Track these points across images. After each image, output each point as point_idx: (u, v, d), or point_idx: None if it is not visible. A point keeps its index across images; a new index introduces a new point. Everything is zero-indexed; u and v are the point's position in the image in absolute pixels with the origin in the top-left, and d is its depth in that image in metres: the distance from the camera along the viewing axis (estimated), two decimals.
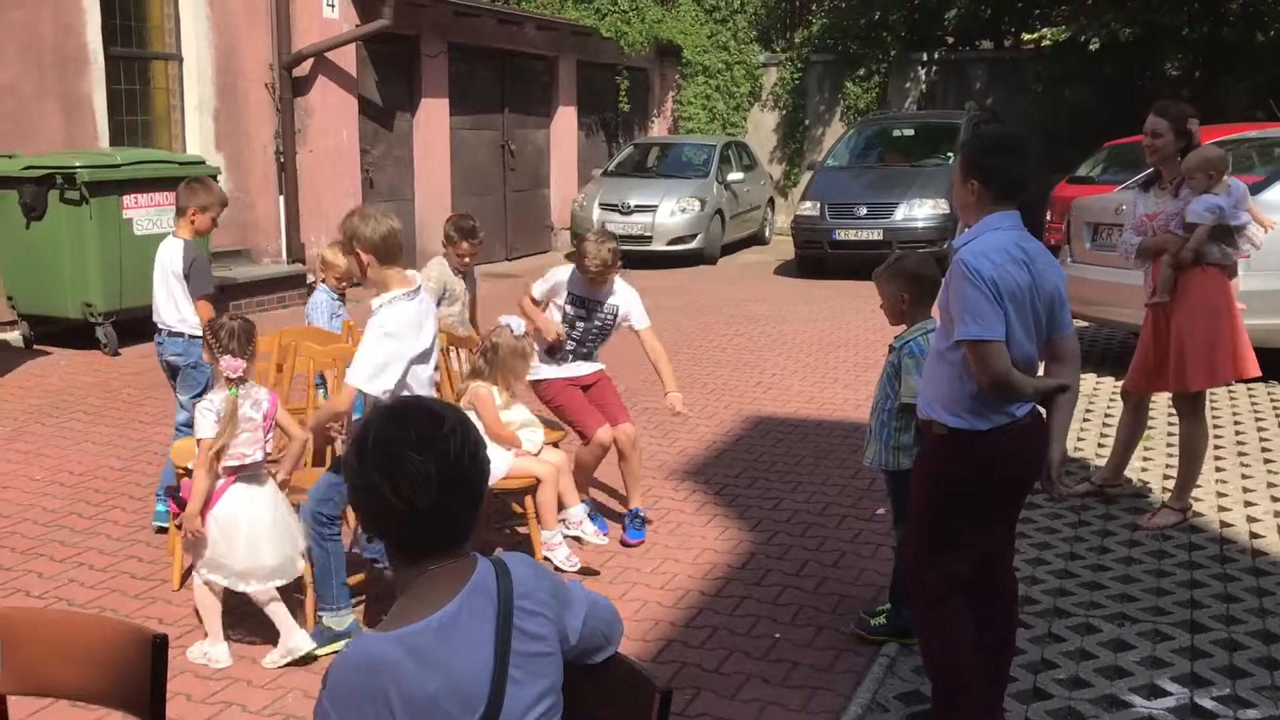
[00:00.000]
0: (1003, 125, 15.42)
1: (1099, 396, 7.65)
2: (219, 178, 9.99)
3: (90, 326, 8.80)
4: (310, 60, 11.85)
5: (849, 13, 18.28)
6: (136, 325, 9.04)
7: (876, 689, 3.74)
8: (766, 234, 17.70)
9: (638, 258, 14.94)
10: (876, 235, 13.52)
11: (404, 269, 3.99)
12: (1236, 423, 6.97)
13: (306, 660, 3.93)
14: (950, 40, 19.07)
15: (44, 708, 3.58)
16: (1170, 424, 6.58)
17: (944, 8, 18.79)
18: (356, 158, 12.67)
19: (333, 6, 12.12)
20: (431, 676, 1.76)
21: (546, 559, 4.51)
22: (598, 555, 4.91)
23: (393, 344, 3.82)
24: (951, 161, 12.70)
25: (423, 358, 3.94)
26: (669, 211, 14.91)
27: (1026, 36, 16.02)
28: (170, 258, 5.10)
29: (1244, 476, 5.94)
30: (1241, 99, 15.63)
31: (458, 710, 1.78)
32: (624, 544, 5.07)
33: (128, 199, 8.78)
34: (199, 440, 3.86)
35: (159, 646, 2.28)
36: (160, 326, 5.12)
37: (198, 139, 11.16)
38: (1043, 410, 3.29)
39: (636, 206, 14.97)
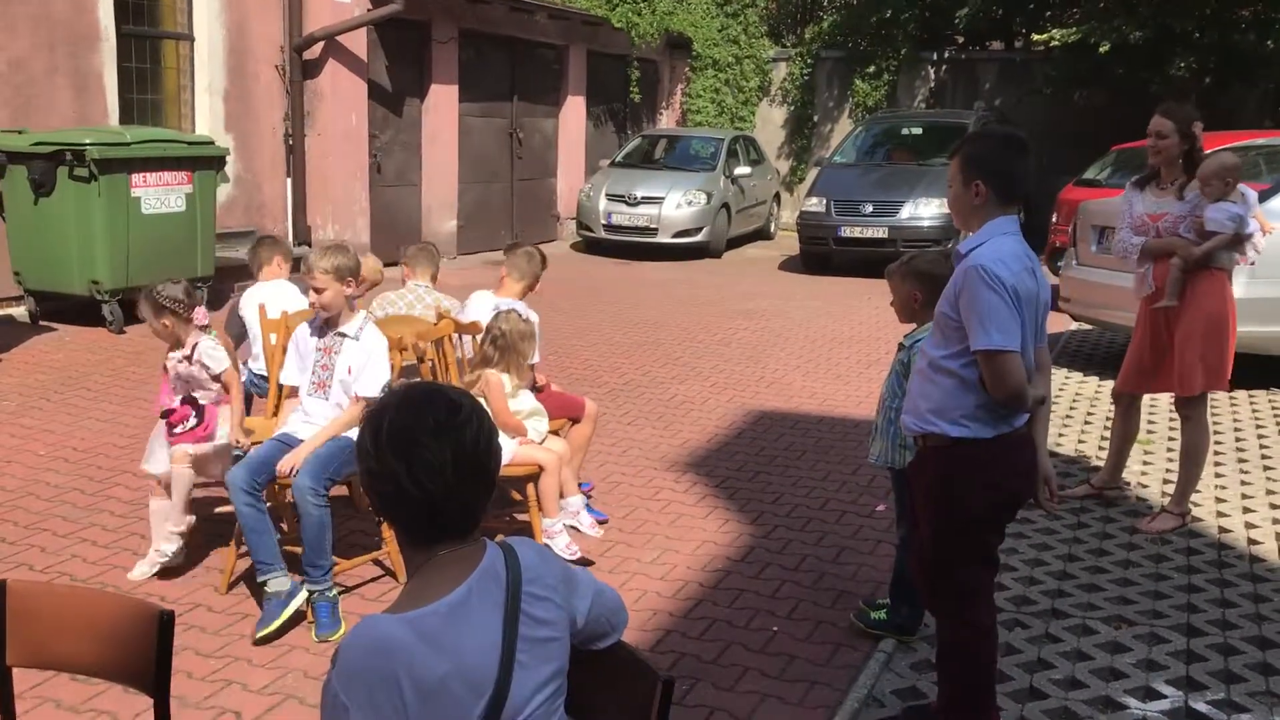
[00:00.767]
0: (1001, 125, 15.42)
1: (1100, 399, 7.67)
2: (228, 158, 10.02)
3: (96, 304, 8.82)
4: (321, 43, 11.85)
5: (860, 10, 18.26)
6: None
7: (873, 684, 3.76)
8: (772, 229, 17.71)
9: (643, 249, 14.99)
10: (882, 233, 13.54)
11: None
12: (1237, 429, 6.98)
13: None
14: (960, 40, 19.05)
15: (45, 680, 3.60)
16: (1171, 428, 6.60)
17: (955, 7, 18.74)
18: (365, 142, 12.67)
19: None
20: (441, 660, 1.78)
21: (546, 546, 4.52)
22: (598, 544, 4.94)
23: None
24: None
25: None
26: (675, 204, 14.92)
27: (1037, 37, 15.98)
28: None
29: (1243, 483, 5.96)
30: (1251, 106, 15.63)
31: (466, 693, 1.80)
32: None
33: (136, 177, 8.79)
34: (223, 372, 4.52)
35: (165, 622, 2.30)
36: None
37: (207, 119, 11.16)
38: None
39: (643, 198, 14.98)
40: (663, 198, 14.92)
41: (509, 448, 4.53)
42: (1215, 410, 7.23)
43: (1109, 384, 7.95)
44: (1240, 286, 5.99)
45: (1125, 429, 5.66)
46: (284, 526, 4.87)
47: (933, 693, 3.63)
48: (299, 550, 4.23)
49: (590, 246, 15.57)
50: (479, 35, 14.46)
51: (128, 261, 8.76)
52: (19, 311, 9.16)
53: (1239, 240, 5.13)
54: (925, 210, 13.45)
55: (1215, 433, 6.66)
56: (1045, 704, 3.67)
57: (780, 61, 19.15)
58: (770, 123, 19.25)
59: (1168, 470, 6.03)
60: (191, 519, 4.46)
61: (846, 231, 13.75)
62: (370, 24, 12.32)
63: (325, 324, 4.44)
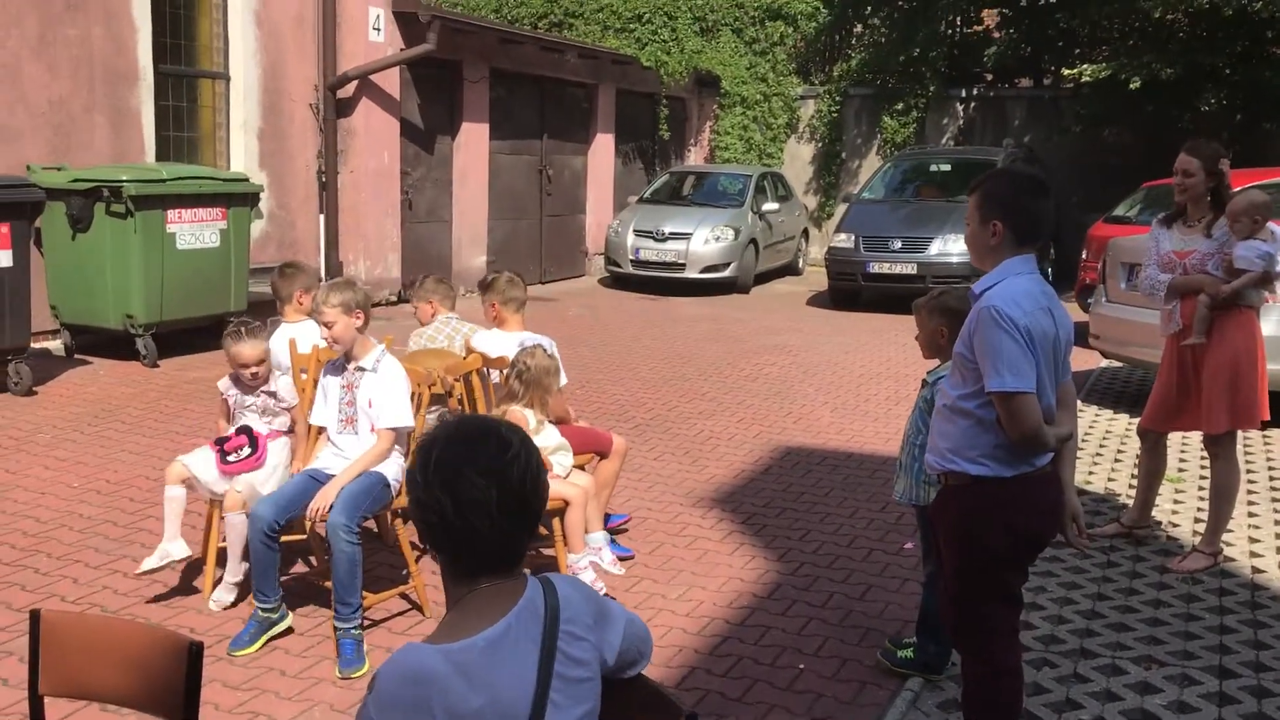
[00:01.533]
0: (1023, 166, 15.41)
1: (1131, 437, 7.60)
2: (262, 195, 10.17)
3: (131, 337, 8.94)
4: (355, 82, 12.03)
5: (888, 48, 18.33)
6: (176, 337, 9.21)
7: None
8: (800, 264, 17.73)
9: (671, 284, 15.04)
10: (911, 269, 13.52)
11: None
12: (1270, 467, 6.91)
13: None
14: (989, 77, 19.08)
15: (76, 710, 3.64)
16: (1202, 466, 6.54)
17: (984, 45, 18.84)
18: (397, 179, 12.82)
19: (378, 30, 12.30)
20: (476, 694, 1.79)
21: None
22: (624, 580, 4.94)
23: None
24: None
25: None
26: (703, 239, 14.98)
27: (1066, 74, 16.00)
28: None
29: (1277, 522, 5.89)
30: None
31: None
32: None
33: (172, 213, 8.93)
34: (294, 406, 4.82)
35: (195, 654, 2.33)
36: None
37: (242, 156, 11.34)
38: None
39: (671, 234, 15.05)
40: (691, 233, 14.99)
41: None
42: (1248, 448, 7.16)
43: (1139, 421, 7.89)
44: (1270, 324, 5.95)
45: (1152, 466, 5.62)
46: (314, 561, 4.91)
47: None
48: (327, 585, 4.26)
49: (618, 282, 15.64)
50: (510, 74, 14.64)
51: (162, 296, 8.89)
52: (55, 345, 9.30)
53: (1268, 278, 5.10)
54: (954, 246, 13.42)
55: (1247, 471, 6.60)
56: None
57: (808, 99, 19.24)
58: (798, 159, 19.32)
59: (1199, 509, 5.97)
60: (247, 566, 4.44)
61: (875, 267, 13.75)
62: (403, 63, 12.51)
63: (345, 359, 4.50)
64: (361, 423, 4.44)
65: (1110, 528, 5.67)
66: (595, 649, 1.95)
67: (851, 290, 14.13)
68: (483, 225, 14.52)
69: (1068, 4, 16.38)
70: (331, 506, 4.15)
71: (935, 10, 18.34)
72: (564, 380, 5.10)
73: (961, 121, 18.58)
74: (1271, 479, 6.67)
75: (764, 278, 16.36)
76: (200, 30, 11.07)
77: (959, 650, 3.46)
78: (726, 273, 15.09)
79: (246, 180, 9.98)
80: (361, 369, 4.44)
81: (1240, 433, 5.35)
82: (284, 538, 4.29)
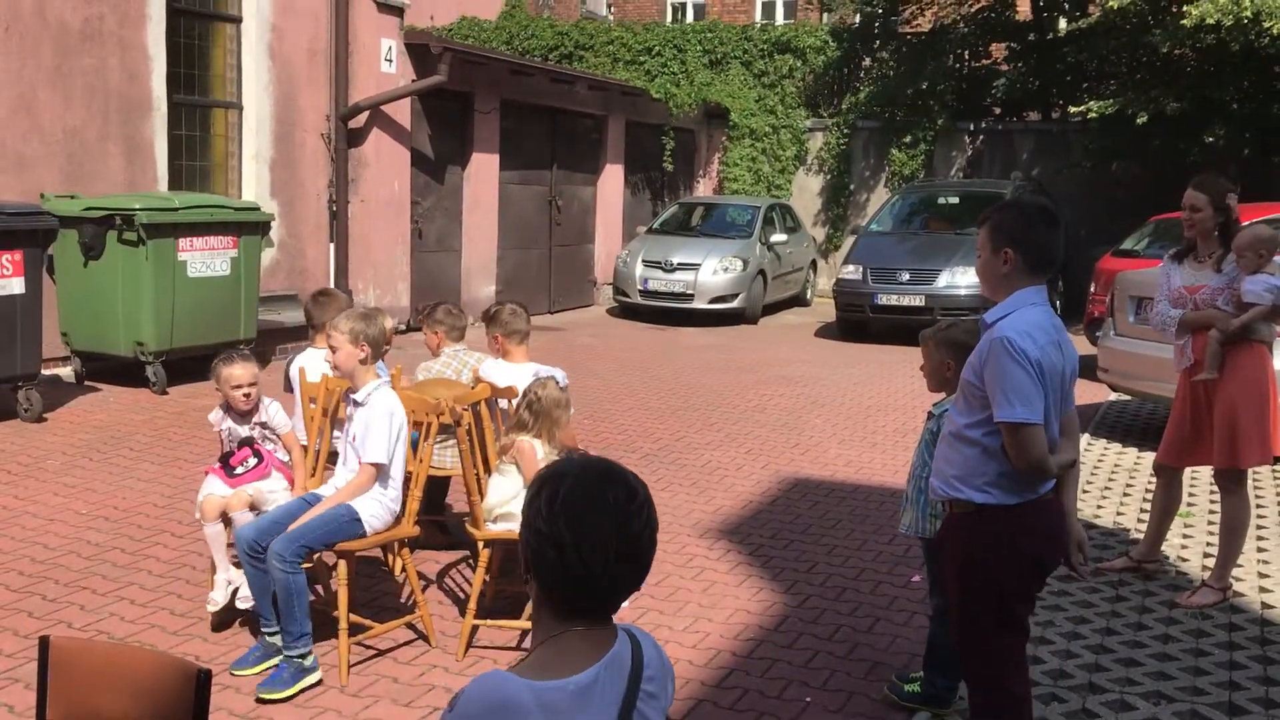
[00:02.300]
0: (1036, 196, 15.44)
1: (1140, 471, 7.59)
2: (273, 224, 10.24)
3: (140, 365, 8.97)
4: (366, 113, 12.13)
5: (896, 82, 18.43)
6: (185, 365, 9.25)
7: None
8: (808, 296, 17.76)
9: (679, 315, 15.07)
10: (919, 301, 13.54)
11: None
12: None
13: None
14: (997, 111, 19.16)
15: None
16: (1212, 500, 6.51)
17: (991, 79, 18.92)
18: (407, 208, 12.90)
19: (390, 61, 12.41)
20: None
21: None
22: (631, 611, 4.92)
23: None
24: None
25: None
26: (711, 270, 15.02)
27: (1074, 109, 16.06)
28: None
29: None
30: None
31: None
32: None
33: (183, 242, 8.98)
34: (285, 435, 4.89)
35: (202, 681, 2.33)
36: None
37: (254, 185, 11.42)
38: None
39: (679, 264, 15.09)
40: (699, 264, 15.03)
41: None
42: (1258, 483, 7.14)
43: (1148, 455, 7.87)
44: None
45: (1166, 502, 5.60)
46: (319, 589, 4.91)
47: None
48: (334, 614, 4.26)
49: (626, 312, 15.68)
50: (520, 105, 14.74)
51: (172, 324, 8.93)
52: (65, 372, 9.34)
53: (1277, 312, 5.10)
54: (963, 279, 13.45)
55: (1257, 506, 6.57)
56: None
57: (817, 131, 19.33)
58: (807, 191, 19.38)
59: (1208, 544, 5.94)
60: (236, 570, 4.53)
61: (883, 299, 13.77)
62: (414, 94, 12.61)
63: (350, 391, 4.52)
64: (350, 455, 4.47)
65: (1119, 562, 5.65)
66: (662, 710, 1.95)
67: (859, 322, 14.14)
68: (492, 255, 14.58)
69: (1075, 39, 16.48)
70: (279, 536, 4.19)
71: (943, 44, 18.46)
72: (571, 411, 5.10)
73: (969, 154, 18.64)
74: None
75: (772, 309, 16.39)
76: (214, 61, 11.18)
77: (966, 680, 3.45)
78: (735, 303, 15.12)
79: (258, 209, 10.05)
80: (358, 403, 4.46)
81: (1250, 468, 5.34)
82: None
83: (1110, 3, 15.70)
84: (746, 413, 9.36)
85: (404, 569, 4.70)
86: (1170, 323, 5.33)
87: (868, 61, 19.75)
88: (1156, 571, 5.57)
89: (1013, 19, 18.80)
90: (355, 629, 4.36)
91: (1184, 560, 5.79)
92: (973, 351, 3.21)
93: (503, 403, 5.25)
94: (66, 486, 6.52)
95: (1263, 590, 5.37)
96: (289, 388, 5.66)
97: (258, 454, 4.72)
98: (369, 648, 4.47)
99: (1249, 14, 12.30)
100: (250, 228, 9.60)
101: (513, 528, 4.35)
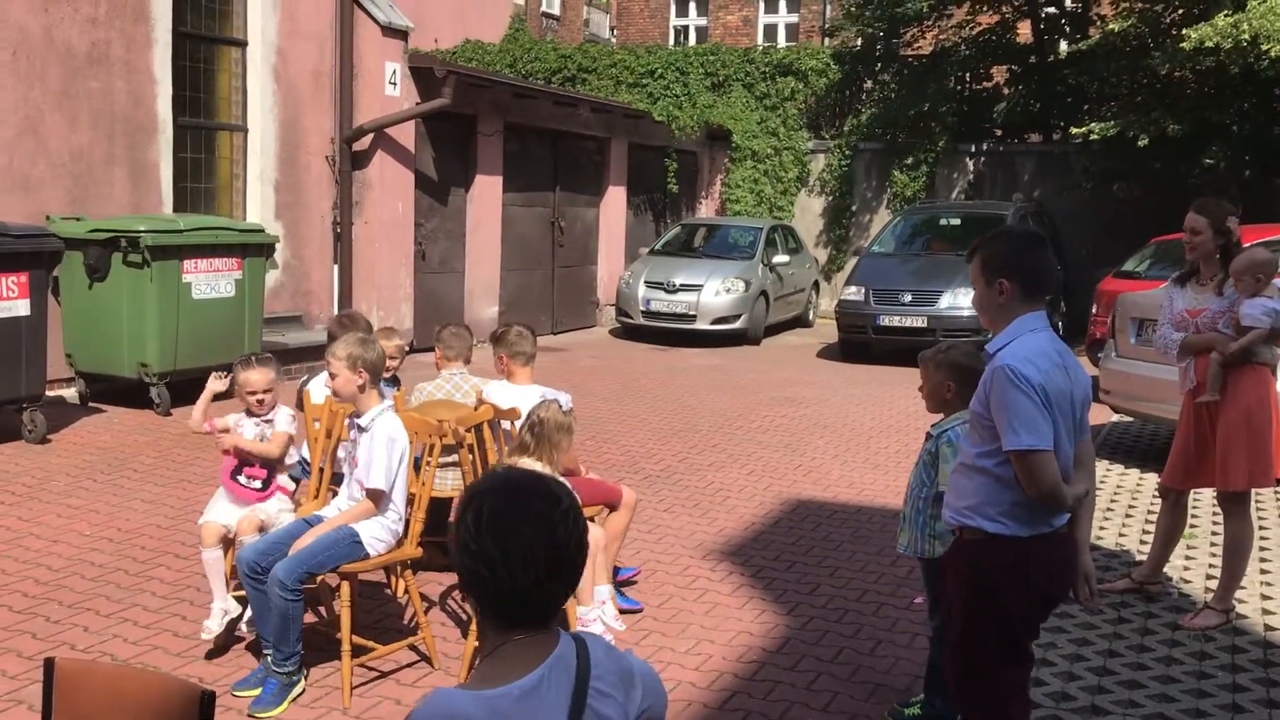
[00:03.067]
0: (1047, 221, 15.49)
1: (1142, 493, 7.59)
2: (277, 245, 10.28)
3: (144, 386, 9.00)
4: (370, 135, 12.19)
5: (898, 104, 18.52)
6: (189, 386, 9.24)
7: None
8: (810, 317, 17.79)
9: (681, 336, 15.10)
10: (921, 322, 13.56)
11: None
12: None
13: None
14: (999, 133, 19.24)
15: None
16: (1215, 522, 6.51)
17: (992, 101, 19.01)
18: (411, 230, 12.95)
19: (394, 85, 12.48)
20: None
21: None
22: (633, 633, 4.93)
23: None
24: None
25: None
26: (714, 291, 15.05)
27: (1075, 131, 16.12)
28: None
29: None
30: None
31: None
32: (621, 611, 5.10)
33: (188, 263, 9.02)
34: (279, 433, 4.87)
35: (206, 702, 2.34)
36: None
37: (258, 207, 11.47)
38: None
39: (681, 285, 15.13)
40: (702, 285, 15.07)
41: None
42: (1260, 505, 7.13)
43: (1150, 476, 7.88)
44: None
45: (1170, 525, 5.60)
46: (322, 611, 4.92)
47: None
48: (337, 636, 4.27)
49: (629, 333, 15.71)
50: (523, 128, 14.81)
51: (176, 345, 8.96)
52: (69, 393, 9.37)
53: (1276, 335, 5.12)
54: (964, 300, 13.46)
55: (1260, 527, 6.57)
56: None
57: (819, 153, 19.41)
58: (809, 212, 19.44)
59: (1211, 565, 5.94)
60: (231, 599, 4.54)
61: (885, 320, 13.80)
62: (418, 117, 12.67)
63: (355, 415, 4.53)
64: (351, 479, 4.49)
65: (1121, 583, 5.65)
66: (621, 706, 1.96)
67: (862, 343, 14.16)
68: (495, 276, 14.63)
69: (1076, 61, 16.55)
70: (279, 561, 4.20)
71: (945, 67, 18.56)
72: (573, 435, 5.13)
73: (971, 176, 18.71)
74: None
75: (774, 330, 16.41)
76: (219, 84, 11.25)
77: (963, 712, 3.42)
78: (737, 324, 15.14)
79: (262, 231, 10.09)
80: (361, 428, 4.48)
81: (1253, 490, 5.34)
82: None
83: (1110, 25, 15.80)
84: (749, 434, 9.36)
85: (407, 591, 4.71)
86: (1172, 346, 5.35)
87: (869, 84, 19.85)
88: (1159, 593, 5.56)
89: (1013, 42, 18.91)
90: (358, 650, 4.37)
91: (1187, 582, 5.79)
92: (980, 377, 3.21)
93: (505, 424, 5.27)
94: (70, 508, 6.53)
95: (1266, 613, 5.36)
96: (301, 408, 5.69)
97: (267, 481, 4.73)
98: (372, 669, 4.48)
99: (1248, 37, 12.35)
100: (255, 249, 9.64)
101: None
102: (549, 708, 1.86)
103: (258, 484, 4.74)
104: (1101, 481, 7.89)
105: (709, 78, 18.87)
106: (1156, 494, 6.17)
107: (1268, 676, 4.62)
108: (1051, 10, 18.81)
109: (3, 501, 6.59)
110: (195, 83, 10.90)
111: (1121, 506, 7.28)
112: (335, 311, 12.12)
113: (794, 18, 25.36)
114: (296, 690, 4.19)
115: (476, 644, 4.46)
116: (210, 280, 9.22)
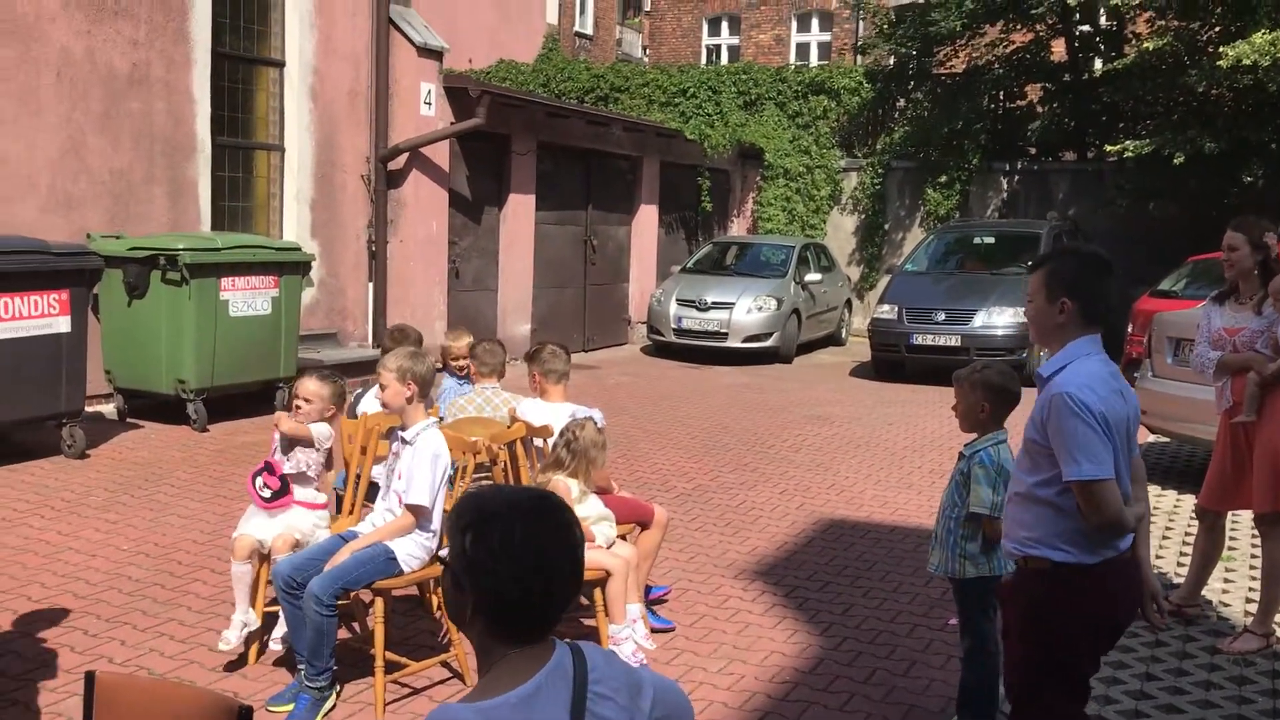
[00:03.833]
0: (1082, 240, 15.37)
1: (1179, 514, 7.51)
2: (313, 263, 10.39)
3: (182, 402, 9.10)
4: (405, 155, 12.30)
5: (931, 122, 18.47)
6: (225, 403, 9.37)
7: None
8: (843, 335, 17.73)
9: (713, 353, 15.09)
10: (954, 341, 13.49)
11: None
12: None
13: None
14: (1033, 151, 19.14)
15: None
16: (1254, 544, 6.43)
17: (1026, 120, 18.92)
18: (445, 248, 13.04)
19: (429, 104, 12.59)
20: None
21: (613, 652, 4.53)
22: (664, 652, 4.92)
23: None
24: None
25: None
26: (745, 309, 15.05)
27: (1110, 149, 16.02)
28: None
29: None
30: None
31: None
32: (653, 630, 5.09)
33: (225, 281, 9.13)
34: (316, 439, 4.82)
35: (243, 717, 2.36)
36: None
37: (294, 226, 11.60)
38: None
39: (713, 303, 15.13)
40: (733, 303, 15.06)
41: None
42: None
43: (1187, 498, 7.79)
44: None
45: (1208, 546, 5.54)
46: (355, 626, 4.95)
47: None
48: (371, 651, 4.29)
49: (661, 350, 15.72)
50: (556, 147, 14.90)
51: (214, 362, 9.06)
52: (108, 409, 9.48)
53: None
54: (999, 319, 13.40)
55: None
56: None
57: (851, 171, 19.39)
58: (841, 230, 19.41)
59: (1250, 589, 5.86)
60: (250, 613, 4.58)
61: (919, 339, 13.73)
62: (452, 136, 12.78)
63: (400, 428, 4.58)
64: (390, 494, 4.51)
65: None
66: (624, 710, 1.96)
67: (895, 362, 14.10)
68: (528, 294, 14.70)
69: (1111, 79, 16.47)
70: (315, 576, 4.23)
71: (978, 85, 18.50)
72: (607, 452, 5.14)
73: (1005, 194, 18.62)
74: None
75: (806, 348, 16.37)
76: (257, 104, 11.40)
77: None
78: (769, 342, 15.12)
79: (299, 249, 10.20)
80: (406, 441, 4.51)
81: None
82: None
83: (1145, 44, 15.71)
84: (781, 453, 9.34)
85: (440, 607, 4.73)
86: (1209, 365, 5.30)
87: (902, 102, 19.83)
88: (1197, 616, 5.50)
89: (1047, 60, 18.84)
90: (391, 667, 4.39)
91: (1225, 605, 5.72)
92: (1015, 397, 3.18)
93: (538, 441, 5.29)
94: (108, 523, 6.60)
95: None
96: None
97: (282, 491, 4.73)
98: (405, 685, 4.50)
99: None
100: (291, 267, 9.74)
101: None
102: (548, 713, 1.88)
103: (267, 493, 4.73)
104: None
105: (741, 96, 18.92)
106: (1194, 515, 6.11)
107: None
108: (1086, 28, 18.72)
109: (42, 516, 6.68)
110: (233, 103, 11.05)
111: (1158, 528, 7.21)
112: (370, 328, 12.23)
113: (826, 36, 25.41)
114: (329, 705, 4.22)
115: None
116: (247, 298, 9.32)
